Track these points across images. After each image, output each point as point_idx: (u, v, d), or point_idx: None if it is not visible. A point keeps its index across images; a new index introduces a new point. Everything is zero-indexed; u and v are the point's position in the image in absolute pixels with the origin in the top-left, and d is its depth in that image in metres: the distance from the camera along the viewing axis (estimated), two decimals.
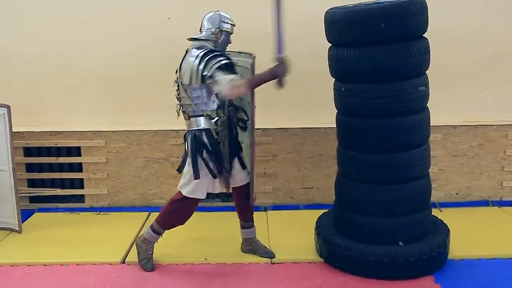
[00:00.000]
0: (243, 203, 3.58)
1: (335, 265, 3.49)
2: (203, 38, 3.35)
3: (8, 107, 3.99)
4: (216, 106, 3.32)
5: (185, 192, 3.39)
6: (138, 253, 3.58)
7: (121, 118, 4.62)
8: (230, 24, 3.40)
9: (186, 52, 3.36)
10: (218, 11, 3.42)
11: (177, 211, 3.46)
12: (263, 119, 4.54)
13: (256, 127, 4.47)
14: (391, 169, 3.36)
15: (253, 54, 3.30)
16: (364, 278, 3.35)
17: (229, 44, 3.45)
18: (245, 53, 3.42)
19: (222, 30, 3.37)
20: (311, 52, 4.35)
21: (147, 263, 3.53)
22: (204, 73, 3.19)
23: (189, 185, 3.36)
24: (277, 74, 3.17)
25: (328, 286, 3.33)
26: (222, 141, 3.33)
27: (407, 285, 3.29)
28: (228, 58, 3.29)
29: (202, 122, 3.32)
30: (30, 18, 4.55)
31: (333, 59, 3.46)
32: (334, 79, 3.56)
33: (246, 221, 3.64)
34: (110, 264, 3.61)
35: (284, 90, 4.65)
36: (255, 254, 3.67)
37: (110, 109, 4.65)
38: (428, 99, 3.45)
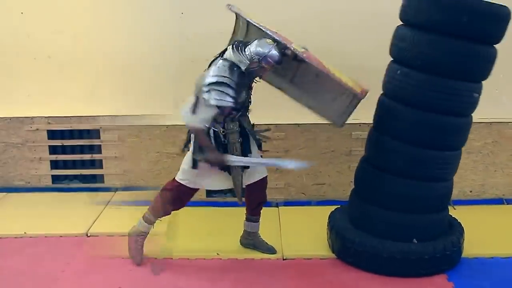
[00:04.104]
0: (255, 198, 3.56)
1: (347, 261, 3.48)
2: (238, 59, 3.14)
3: None
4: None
5: (178, 177, 3.41)
6: (128, 245, 3.53)
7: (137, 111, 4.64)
8: (273, 63, 3.14)
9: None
10: (274, 43, 3.15)
11: (167, 199, 3.44)
12: (275, 114, 4.53)
13: (268, 122, 4.52)
14: (422, 165, 3.31)
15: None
16: (377, 274, 3.34)
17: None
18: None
19: (260, 65, 3.13)
20: (325, 47, 4.31)
21: (136, 256, 3.50)
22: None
23: (185, 173, 3.39)
24: (212, 159, 3.19)
25: (340, 283, 3.32)
26: (231, 140, 3.29)
27: (420, 283, 3.27)
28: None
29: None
30: (50, 7, 4.54)
31: (400, 38, 3.29)
32: (391, 60, 3.42)
33: (253, 215, 3.62)
34: (123, 259, 3.60)
35: None
36: (255, 250, 3.66)
37: (127, 102, 4.65)
38: (476, 108, 3.38)
